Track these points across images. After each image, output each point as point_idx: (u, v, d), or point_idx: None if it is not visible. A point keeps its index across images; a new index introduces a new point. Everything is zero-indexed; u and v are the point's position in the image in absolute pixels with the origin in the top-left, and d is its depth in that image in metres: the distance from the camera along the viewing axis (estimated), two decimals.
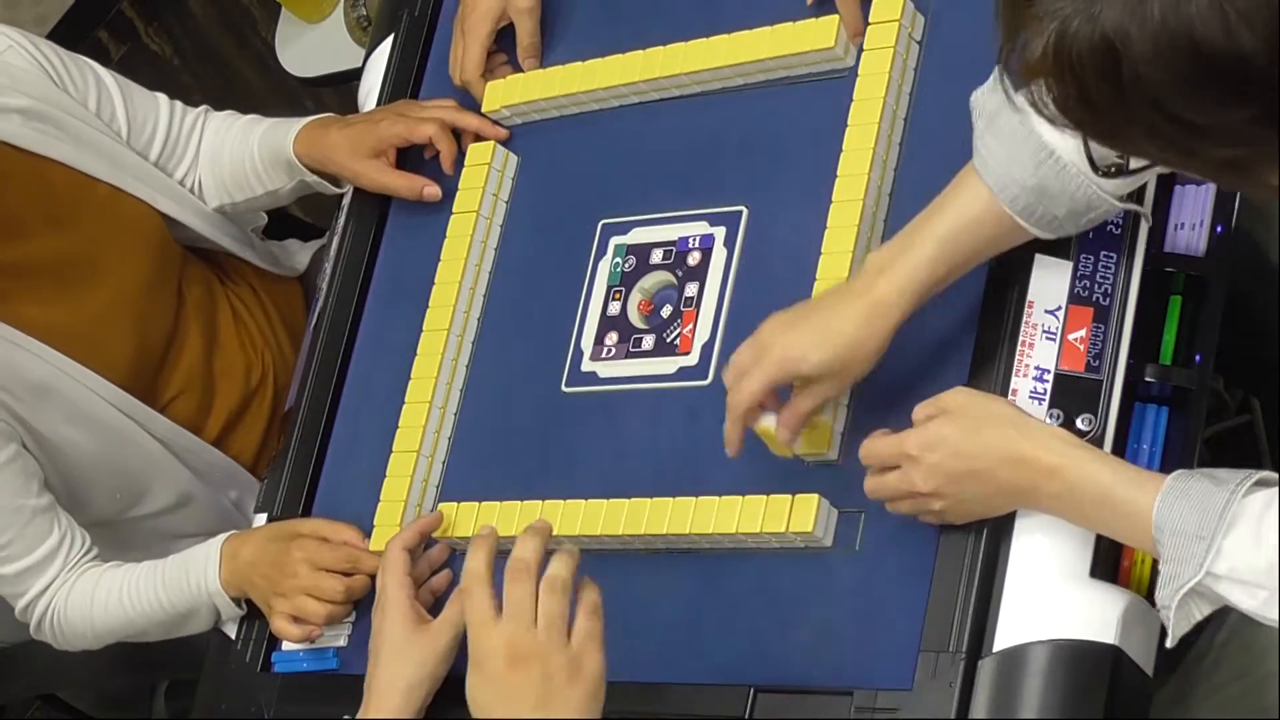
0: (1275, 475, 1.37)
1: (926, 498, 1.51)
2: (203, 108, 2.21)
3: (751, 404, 1.59)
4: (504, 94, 1.98)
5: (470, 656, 1.46)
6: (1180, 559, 1.36)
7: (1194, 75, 1.07)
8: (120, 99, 2.11)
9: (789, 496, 1.62)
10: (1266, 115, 1.08)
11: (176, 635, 2.00)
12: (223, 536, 1.94)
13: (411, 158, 2.05)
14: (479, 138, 1.99)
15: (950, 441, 1.49)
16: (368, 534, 1.87)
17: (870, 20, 1.75)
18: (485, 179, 1.95)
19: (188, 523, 2.08)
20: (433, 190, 1.99)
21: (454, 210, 1.96)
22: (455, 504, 1.82)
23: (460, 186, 1.98)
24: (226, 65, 3.63)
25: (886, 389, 1.64)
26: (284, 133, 2.10)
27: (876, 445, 1.54)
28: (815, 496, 1.61)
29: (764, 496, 1.63)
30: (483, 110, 1.99)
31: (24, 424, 1.95)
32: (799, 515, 1.61)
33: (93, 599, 1.97)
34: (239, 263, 2.25)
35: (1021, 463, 1.46)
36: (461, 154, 2.00)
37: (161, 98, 2.18)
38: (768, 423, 1.60)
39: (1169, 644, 1.41)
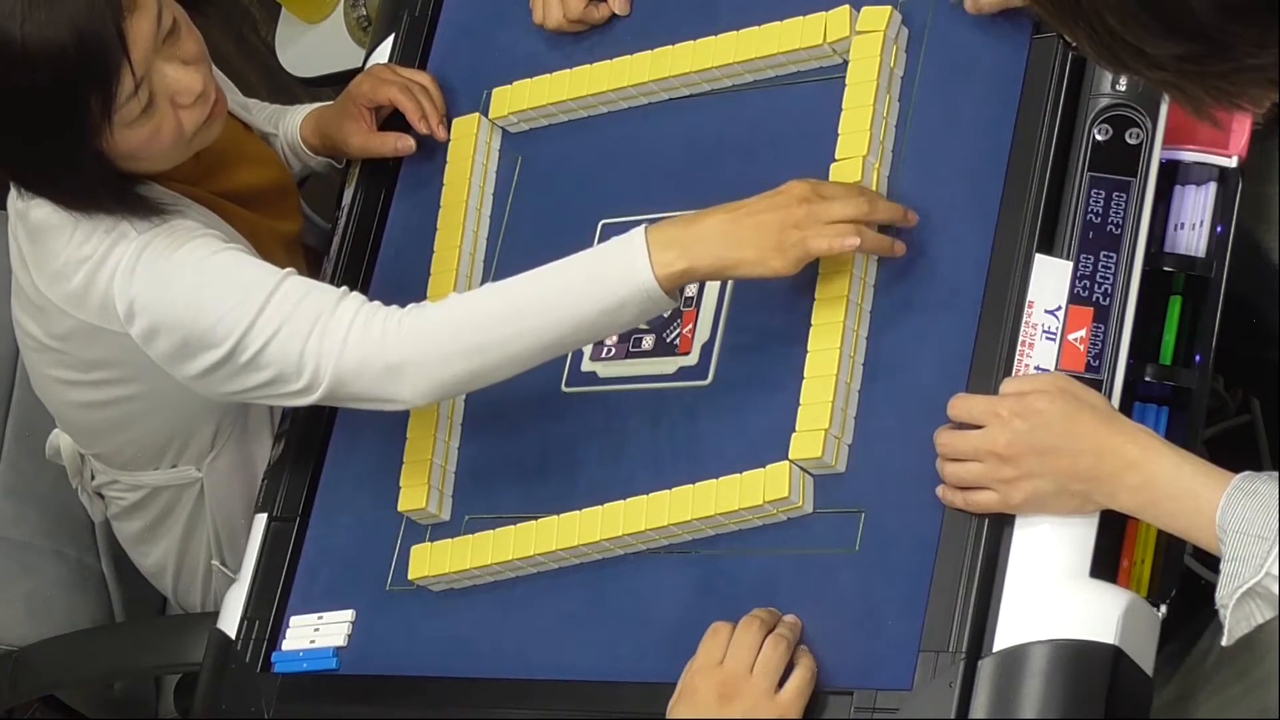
0: None
1: (1002, 463, 1.50)
2: None
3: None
4: (510, 101, 1.98)
5: (681, 689, 1.54)
6: (1241, 558, 1.37)
7: (1134, 3, 1.15)
8: None
9: (762, 470, 1.63)
10: (1194, 56, 1.16)
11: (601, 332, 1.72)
12: (639, 230, 1.65)
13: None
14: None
15: (1045, 415, 1.48)
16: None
17: (857, 30, 1.75)
18: (473, 149, 1.97)
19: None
20: (405, 144, 2.02)
21: (444, 182, 1.98)
22: (471, 536, 1.80)
23: (448, 160, 1.99)
24: (226, 65, 3.61)
25: (887, 391, 1.64)
26: (291, 121, 2.14)
27: (970, 400, 1.54)
28: (786, 463, 1.62)
29: (737, 475, 1.64)
30: (490, 117, 2.00)
31: None
32: (773, 483, 1.62)
33: (473, 308, 1.71)
34: None
35: (1108, 452, 1.46)
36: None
37: None
38: None
39: (1224, 643, 1.42)
